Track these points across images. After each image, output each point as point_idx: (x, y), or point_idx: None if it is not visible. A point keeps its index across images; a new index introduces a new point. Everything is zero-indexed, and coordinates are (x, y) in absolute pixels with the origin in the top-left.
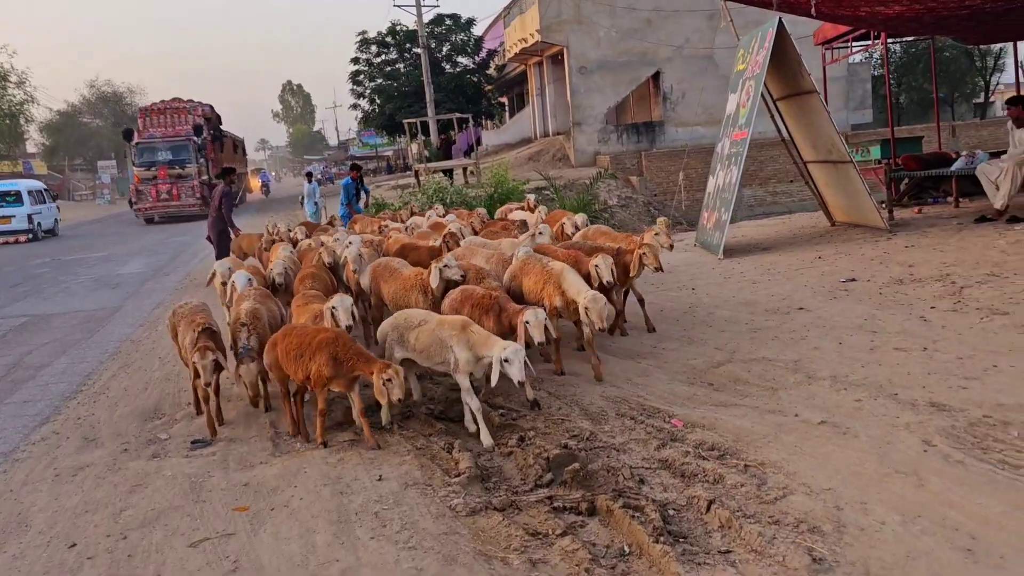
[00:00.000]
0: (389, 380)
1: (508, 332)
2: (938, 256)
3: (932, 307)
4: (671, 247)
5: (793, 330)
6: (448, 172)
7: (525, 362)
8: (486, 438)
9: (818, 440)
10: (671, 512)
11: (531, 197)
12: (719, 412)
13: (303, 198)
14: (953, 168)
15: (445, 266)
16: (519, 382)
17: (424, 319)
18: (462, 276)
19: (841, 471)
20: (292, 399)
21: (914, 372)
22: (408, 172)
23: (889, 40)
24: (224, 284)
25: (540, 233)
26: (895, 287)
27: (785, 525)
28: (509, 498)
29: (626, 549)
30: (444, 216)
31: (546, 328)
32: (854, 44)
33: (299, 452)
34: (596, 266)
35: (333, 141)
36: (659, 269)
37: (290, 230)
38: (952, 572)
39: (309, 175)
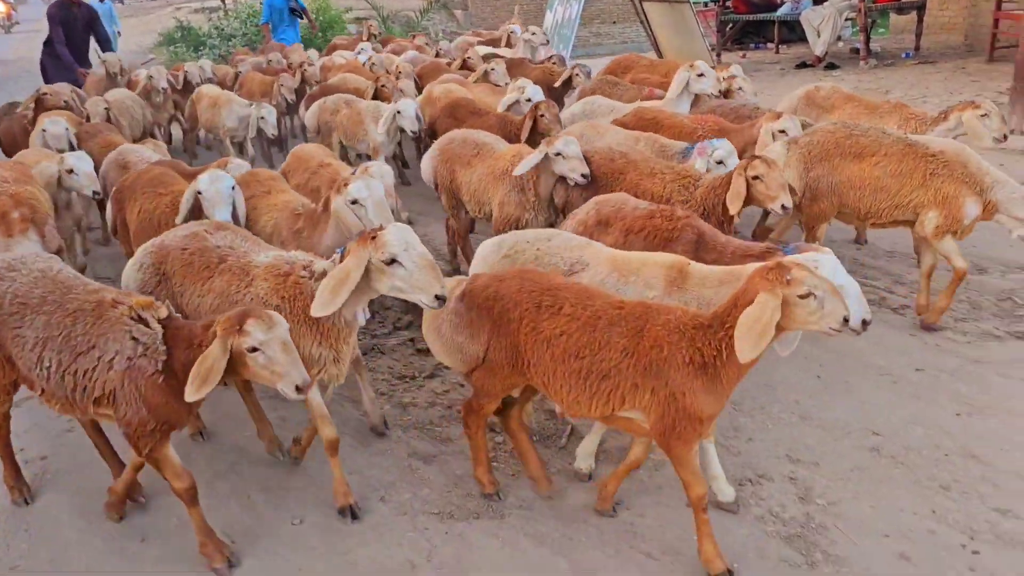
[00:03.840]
0: None
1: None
2: (768, 101)
3: None
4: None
5: None
6: None
7: None
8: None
9: None
10: None
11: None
12: None
13: None
14: (779, 12)
15: (558, 153)
16: None
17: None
18: (584, 178)
19: None
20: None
21: None
22: None
23: None
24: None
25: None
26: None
27: None
28: (369, 341)
29: None
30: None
31: None
32: None
33: None
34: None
35: None
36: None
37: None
38: None
39: None
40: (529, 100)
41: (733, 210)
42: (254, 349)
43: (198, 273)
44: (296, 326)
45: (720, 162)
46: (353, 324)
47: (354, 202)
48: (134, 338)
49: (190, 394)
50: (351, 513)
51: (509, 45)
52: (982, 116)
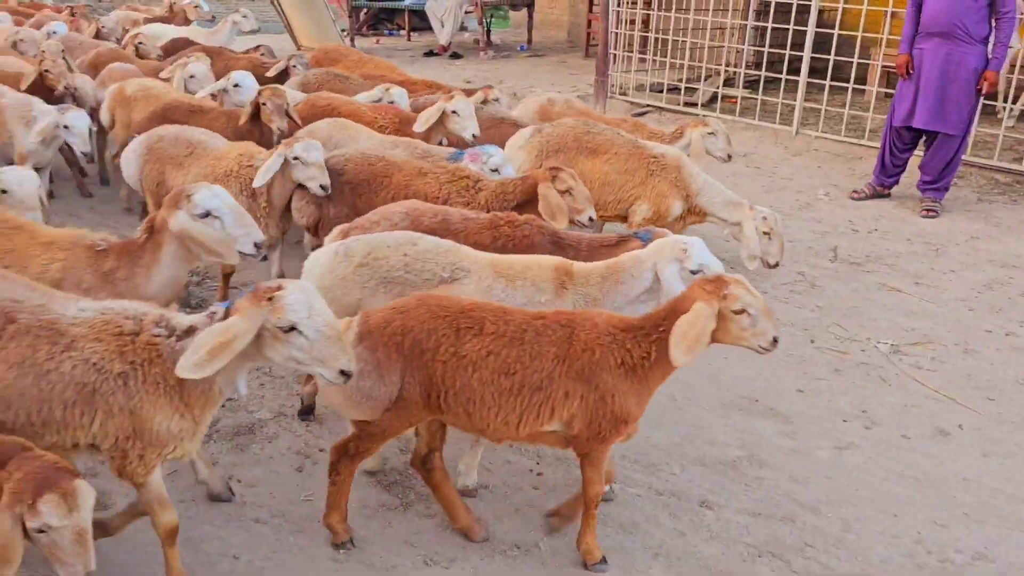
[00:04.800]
0: None
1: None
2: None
3: None
4: (729, 157)
5: None
6: None
7: None
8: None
9: None
10: None
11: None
12: None
13: None
14: (408, 1)
15: (296, 158)
16: None
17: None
18: (323, 190)
19: None
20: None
21: None
22: None
23: None
24: None
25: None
26: None
27: None
28: None
29: None
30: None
31: None
32: None
33: None
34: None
35: None
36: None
37: None
38: None
39: None
40: (237, 86)
41: (561, 226)
42: (42, 531)
43: None
44: (151, 397)
45: (495, 170)
46: (225, 396)
47: (205, 215)
48: None
49: None
50: None
51: (175, 21)
52: (708, 134)
